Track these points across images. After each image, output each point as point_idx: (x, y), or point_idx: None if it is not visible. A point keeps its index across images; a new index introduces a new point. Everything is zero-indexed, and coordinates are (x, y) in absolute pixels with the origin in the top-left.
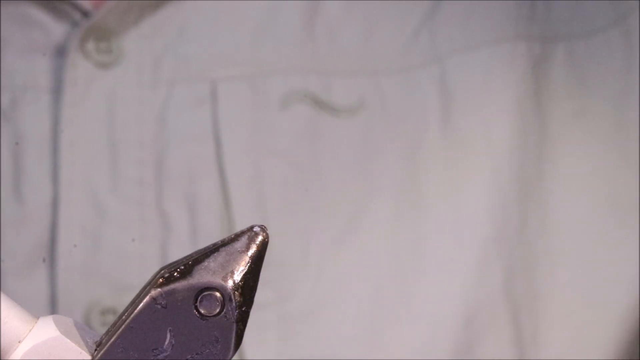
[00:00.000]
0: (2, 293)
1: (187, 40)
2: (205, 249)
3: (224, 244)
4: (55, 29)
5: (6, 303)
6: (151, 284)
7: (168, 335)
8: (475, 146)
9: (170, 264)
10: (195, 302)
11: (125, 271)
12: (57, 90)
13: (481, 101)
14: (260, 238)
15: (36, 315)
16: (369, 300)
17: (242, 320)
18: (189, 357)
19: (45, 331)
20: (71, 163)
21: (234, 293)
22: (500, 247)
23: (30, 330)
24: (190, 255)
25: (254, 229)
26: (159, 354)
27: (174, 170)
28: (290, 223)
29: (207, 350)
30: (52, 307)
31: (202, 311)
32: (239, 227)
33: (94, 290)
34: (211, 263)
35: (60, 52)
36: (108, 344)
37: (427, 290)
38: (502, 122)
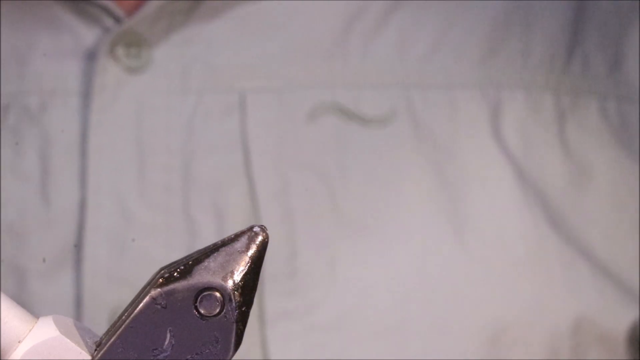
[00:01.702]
0: (2, 293)
1: (216, 50)
2: (205, 249)
3: (224, 244)
4: (85, 33)
5: (6, 303)
6: (151, 284)
7: (168, 335)
8: (503, 164)
9: (170, 264)
10: (195, 302)
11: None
12: (86, 94)
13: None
14: (260, 238)
15: (36, 315)
16: (396, 312)
17: (242, 320)
18: (189, 357)
19: (45, 331)
20: (99, 168)
21: (234, 293)
22: (534, 265)
23: (30, 330)
24: (190, 255)
25: (254, 229)
26: (159, 354)
27: (202, 177)
28: (317, 234)
29: (207, 350)
30: (77, 310)
31: (202, 311)
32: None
33: (119, 295)
34: (211, 263)
35: (90, 57)
36: (108, 344)
37: (455, 303)
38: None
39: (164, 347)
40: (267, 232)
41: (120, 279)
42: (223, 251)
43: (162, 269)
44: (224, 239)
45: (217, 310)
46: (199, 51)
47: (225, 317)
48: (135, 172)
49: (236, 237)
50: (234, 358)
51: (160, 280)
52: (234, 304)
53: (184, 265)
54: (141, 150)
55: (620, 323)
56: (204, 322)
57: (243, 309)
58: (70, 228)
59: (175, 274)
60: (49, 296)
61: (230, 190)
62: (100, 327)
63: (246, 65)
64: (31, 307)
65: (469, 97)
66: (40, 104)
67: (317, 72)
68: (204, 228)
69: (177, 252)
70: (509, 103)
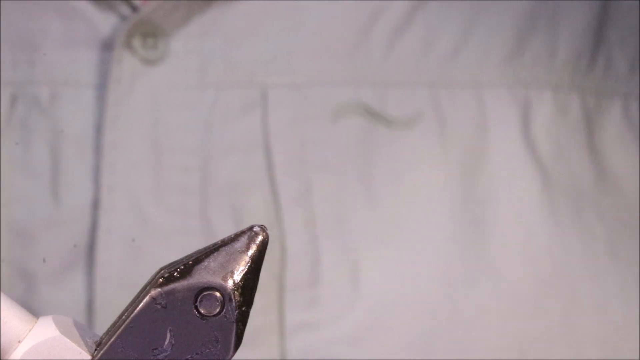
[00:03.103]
0: (2, 293)
1: (236, 43)
2: (205, 249)
3: (224, 244)
4: (101, 22)
5: (6, 303)
6: (151, 284)
7: (168, 335)
8: (532, 172)
9: (170, 264)
10: (195, 302)
11: None
12: (100, 86)
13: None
14: (260, 238)
15: (36, 315)
16: (420, 326)
17: (242, 320)
18: (189, 357)
19: (45, 331)
20: (113, 165)
21: (233, 293)
22: (560, 280)
23: (30, 330)
24: (190, 255)
25: (254, 229)
26: (159, 354)
27: (221, 178)
28: (340, 241)
29: (207, 350)
30: (89, 313)
31: (202, 311)
32: (290, 242)
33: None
34: (211, 263)
35: (105, 47)
36: (108, 344)
37: (480, 318)
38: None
39: (164, 346)
40: (267, 231)
41: (134, 283)
42: (223, 251)
43: (162, 268)
44: (224, 239)
45: (217, 310)
46: (218, 44)
47: (225, 317)
48: (151, 171)
49: (236, 237)
50: (233, 358)
51: (160, 280)
52: (234, 304)
53: (184, 265)
54: (157, 148)
55: None
56: (204, 321)
57: (243, 308)
58: (81, 229)
59: (175, 273)
60: (58, 301)
61: (251, 192)
62: None
63: (267, 60)
64: (40, 312)
65: (497, 97)
66: (50, 95)
67: (340, 68)
68: (222, 232)
69: None
70: (537, 104)
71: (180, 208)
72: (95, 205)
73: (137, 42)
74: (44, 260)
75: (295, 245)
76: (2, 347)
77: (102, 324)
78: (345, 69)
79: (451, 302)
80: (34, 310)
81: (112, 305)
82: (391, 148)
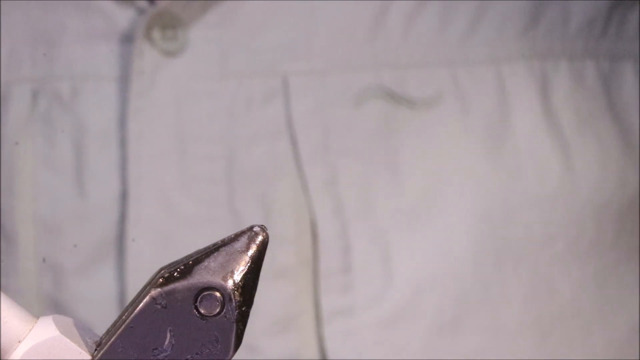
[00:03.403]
0: (2, 293)
1: (255, 31)
2: (205, 248)
3: (224, 244)
4: (118, 15)
5: (6, 303)
6: (151, 283)
7: (168, 335)
8: (554, 145)
9: (170, 264)
10: (195, 302)
11: None
12: (122, 79)
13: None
14: (260, 238)
15: (36, 315)
16: (452, 308)
17: (242, 320)
18: (189, 357)
19: (45, 331)
20: (139, 157)
21: (233, 293)
22: (576, 255)
23: (30, 330)
24: (190, 255)
25: (254, 229)
26: (159, 354)
27: (247, 167)
28: (370, 226)
29: (207, 350)
30: (121, 304)
31: (202, 311)
32: (320, 229)
33: None
34: (211, 263)
35: (125, 40)
36: (108, 344)
37: (512, 297)
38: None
39: (164, 346)
40: (267, 231)
41: None
42: (223, 251)
43: (162, 268)
44: (224, 239)
45: (217, 310)
46: (237, 33)
47: (225, 317)
48: (177, 161)
49: (236, 237)
50: (234, 358)
51: (161, 280)
52: (234, 304)
53: (184, 265)
54: (182, 139)
55: None
56: (204, 322)
57: (243, 308)
58: (109, 221)
59: (175, 273)
60: (88, 293)
61: (278, 180)
62: None
63: (286, 47)
64: (70, 307)
65: (515, 72)
66: (72, 90)
67: (359, 53)
68: (250, 221)
69: None
70: (555, 75)
71: (207, 197)
72: (123, 196)
73: (156, 34)
74: (75, 246)
75: (326, 232)
76: (2, 347)
77: None
78: (364, 53)
79: (480, 283)
80: (64, 303)
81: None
82: (415, 130)
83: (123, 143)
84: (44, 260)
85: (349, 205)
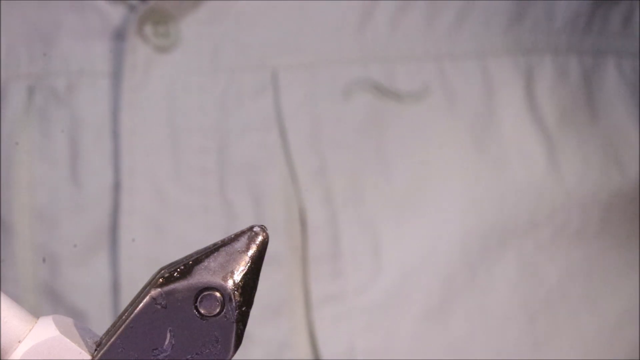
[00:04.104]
0: (2, 293)
1: (246, 26)
2: (205, 249)
3: (224, 244)
4: (112, 12)
5: (6, 303)
6: (151, 284)
7: (168, 335)
8: (533, 138)
9: (170, 264)
10: (195, 302)
11: None
12: (115, 74)
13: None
14: (260, 238)
15: (36, 315)
16: (441, 292)
17: (242, 320)
18: (189, 357)
19: (45, 331)
20: (132, 149)
21: (233, 293)
22: (570, 242)
23: (30, 330)
24: (190, 255)
25: (254, 229)
26: (159, 354)
27: (237, 158)
28: (359, 214)
29: (207, 350)
30: (115, 296)
31: (202, 311)
32: (310, 217)
33: None
34: (211, 263)
35: (118, 37)
36: (108, 344)
37: (499, 283)
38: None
39: (164, 347)
40: (267, 231)
41: (158, 262)
42: (223, 251)
43: (162, 268)
44: (224, 239)
45: (217, 310)
46: (228, 28)
47: (226, 317)
48: (169, 153)
49: (236, 237)
50: (234, 358)
51: (161, 280)
52: (234, 304)
53: (184, 265)
54: (174, 131)
55: None
56: (204, 322)
57: (243, 308)
58: (103, 212)
59: (175, 273)
60: (83, 282)
61: (268, 171)
62: None
63: (276, 42)
64: (66, 295)
65: (500, 66)
66: (67, 86)
67: (347, 46)
68: (241, 210)
69: (214, 235)
70: (539, 69)
71: (199, 188)
72: (116, 188)
73: (148, 30)
74: (75, 246)
75: (315, 220)
76: (2, 347)
77: (128, 300)
78: (353, 47)
79: (468, 270)
80: (59, 292)
81: (137, 284)
82: (402, 122)
83: (116, 136)
84: (44, 260)
85: (338, 194)
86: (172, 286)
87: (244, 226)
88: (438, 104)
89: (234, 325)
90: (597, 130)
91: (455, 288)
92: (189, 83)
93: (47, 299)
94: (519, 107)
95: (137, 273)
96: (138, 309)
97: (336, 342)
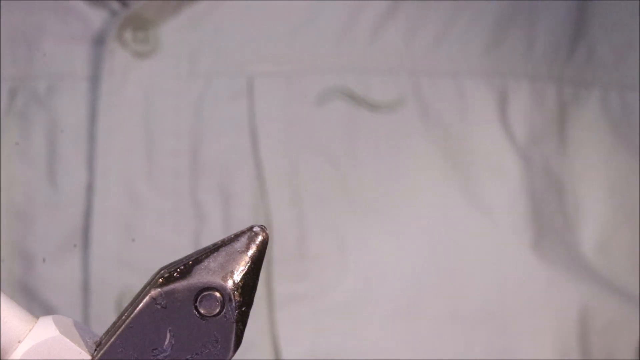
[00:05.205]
0: (2, 293)
1: (224, 34)
2: (205, 249)
3: (224, 244)
4: (93, 17)
5: (6, 303)
6: (151, 284)
7: (168, 335)
8: (510, 152)
9: (170, 264)
10: (195, 302)
11: (159, 260)
12: (94, 78)
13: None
14: (260, 238)
15: (36, 315)
16: (406, 296)
17: (242, 320)
18: (189, 357)
19: (45, 331)
20: (107, 151)
21: (233, 293)
22: (542, 251)
23: (30, 330)
24: (190, 255)
25: (254, 229)
26: (158, 354)
27: (209, 161)
28: (326, 217)
29: (207, 350)
30: (85, 295)
31: (202, 311)
32: (275, 219)
33: (127, 280)
34: (211, 263)
35: (98, 41)
36: (108, 344)
37: (465, 287)
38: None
39: (164, 347)
40: (267, 232)
41: (128, 263)
42: (223, 251)
43: (162, 268)
44: (224, 239)
45: (217, 310)
46: (207, 35)
47: (225, 317)
48: (143, 156)
49: (236, 237)
50: (234, 358)
51: (160, 280)
52: (234, 304)
53: (183, 265)
54: (149, 134)
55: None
56: (204, 322)
57: (243, 309)
58: (77, 212)
59: (175, 274)
60: (56, 280)
61: (238, 173)
62: (108, 312)
63: (254, 49)
64: (39, 292)
65: (475, 86)
66: (48, 88)
67: (325, 57)
68: (211, 212)
69: (185, 237)
70: (514, 93)
71: (171, 190)
72: (90, 188)
73: (128, 35)
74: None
75: (281, 221)
76: (2, 347)
77: (97, 302)
78: (330, 56)
79: (436, 273)
80: (33, 288)
81: (106, 283)
82: (375, 130)
83: (93, 138)
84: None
85: (306, 196)
86: (172, 286)
87: (213, 227)
88: (412, 115)
89: (234, 325)
90: (564, 159)
91: (423, 292)
92: (166, 88)
93: (21, 295)
94: (491, 124)
95: (107, 273)
96: (138, 309)
97: (298, 343)
